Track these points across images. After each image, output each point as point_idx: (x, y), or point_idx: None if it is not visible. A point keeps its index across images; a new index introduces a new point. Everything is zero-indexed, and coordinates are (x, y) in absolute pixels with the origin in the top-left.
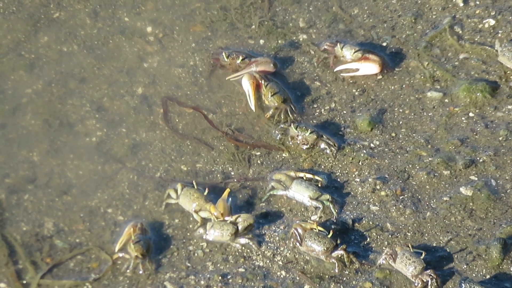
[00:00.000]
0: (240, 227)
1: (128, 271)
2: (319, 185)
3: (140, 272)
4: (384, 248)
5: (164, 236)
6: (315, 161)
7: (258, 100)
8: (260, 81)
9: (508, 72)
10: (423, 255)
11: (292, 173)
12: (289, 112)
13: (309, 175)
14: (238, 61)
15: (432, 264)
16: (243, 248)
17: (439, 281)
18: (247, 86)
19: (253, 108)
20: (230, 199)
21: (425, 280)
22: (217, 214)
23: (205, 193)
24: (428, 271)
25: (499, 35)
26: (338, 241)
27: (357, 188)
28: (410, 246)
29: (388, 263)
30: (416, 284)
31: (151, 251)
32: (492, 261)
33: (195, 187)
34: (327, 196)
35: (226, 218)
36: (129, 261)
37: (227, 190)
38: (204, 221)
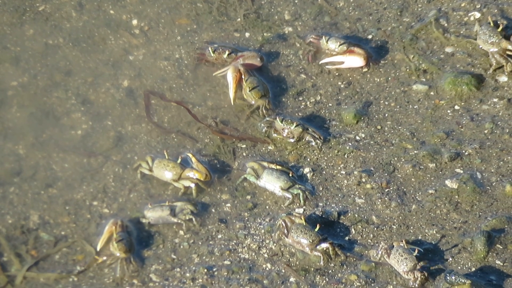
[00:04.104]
0: (177, 208)
1: (117, 274)
2: (290, 175)
3: (125, 271)
4: (377, 242)
5: (149, 228)
6: (300, 153)
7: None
8: (243, 75)
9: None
10: (416, 251)
11: (265, 164)
12: (262, 108)
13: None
14: (225, 56)
15: (418, 257)
16: (185, 222)
17: (428, 277)
18: (230, 78)
19: (231, 101)
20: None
21: (416, 276)
22: (204, 176)
23: (179, 161)
24: (419, 268)
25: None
26: (326, 237)
27: (343, 180)
28: (404, 242)
29: (383, 258)
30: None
31: (134, 248)
32: (477, 254)
33: (167, 157)
34: (298, 186)
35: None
36: (115, 262)
37: (191, 155)
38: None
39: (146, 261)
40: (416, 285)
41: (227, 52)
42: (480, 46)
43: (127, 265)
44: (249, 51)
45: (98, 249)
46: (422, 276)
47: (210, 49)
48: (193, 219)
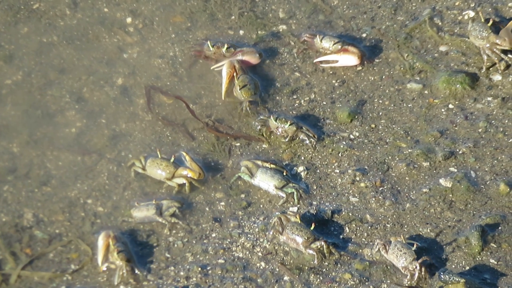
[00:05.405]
0: (164, 206)
1: (117, 281)
2: (285, 174)
3: (130, 280)
4: (372, 241)
5: (143, 227)
6: (294, 152)
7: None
8: (236, 71)
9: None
10: (415, 246)
11: (259, 162)
12: (247, 105)
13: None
14: (223, 50)
15: (416, 252)
16: (173, 219)
17: (426, 272)
18: (224, 73)
19: (222, 96)
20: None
21: (414, 272)
22: (197, 175)
23: (172, 160)
24: (420, 261)
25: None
26: (320, 237)
27: (337, 179)
28: (403, 237)
29: (381, 254)
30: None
31: (133, 257)
32: (471, 248)
33: (159, 156)
34: (292, 185)
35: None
36: (116, 270)
37: (185, 153)
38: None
39: (141, 259)
40: (414, 281)
41: (226, 46)
42: (473, 43)
43: (129, 274)
44: (248, 47)
45: (100, 264)
46: (420, 272)
47: (209, 43)
48: (179, 222)
